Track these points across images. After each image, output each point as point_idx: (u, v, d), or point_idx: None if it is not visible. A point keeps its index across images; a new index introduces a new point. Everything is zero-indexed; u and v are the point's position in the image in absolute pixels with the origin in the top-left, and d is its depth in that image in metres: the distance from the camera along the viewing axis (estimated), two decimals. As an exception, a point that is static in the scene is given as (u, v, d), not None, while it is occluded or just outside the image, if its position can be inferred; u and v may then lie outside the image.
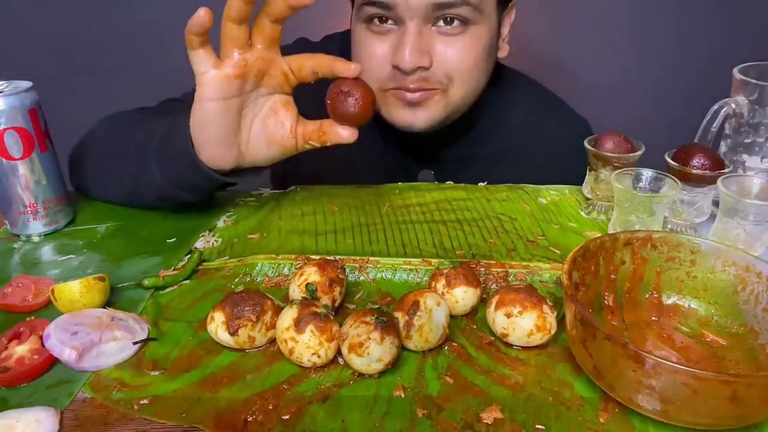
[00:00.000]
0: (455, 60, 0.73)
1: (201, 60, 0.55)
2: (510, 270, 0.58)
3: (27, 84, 0.63)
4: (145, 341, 0.48)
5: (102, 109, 0.79)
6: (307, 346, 0.44)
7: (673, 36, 1.37)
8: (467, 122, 0.83)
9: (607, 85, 1.40)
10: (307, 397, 0.43)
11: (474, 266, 0.57)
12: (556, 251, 0.62)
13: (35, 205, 0.65)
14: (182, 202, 0.68)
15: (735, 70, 0.65)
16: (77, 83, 1.35)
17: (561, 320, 0.48)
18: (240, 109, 0.58)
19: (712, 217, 0.62)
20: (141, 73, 1.33)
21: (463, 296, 0.51)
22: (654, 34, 1.37)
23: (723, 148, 0.69)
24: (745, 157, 0.66)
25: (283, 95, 0.60)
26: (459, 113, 0.79)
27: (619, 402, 0.41)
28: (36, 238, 0.66)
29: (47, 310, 0.53)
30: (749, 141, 0.65)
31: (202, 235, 0.66)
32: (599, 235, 0.51)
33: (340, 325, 0.46)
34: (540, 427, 0.40)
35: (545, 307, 0.47)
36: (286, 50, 0.88)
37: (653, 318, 0.50)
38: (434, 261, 0.59)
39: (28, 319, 0.51)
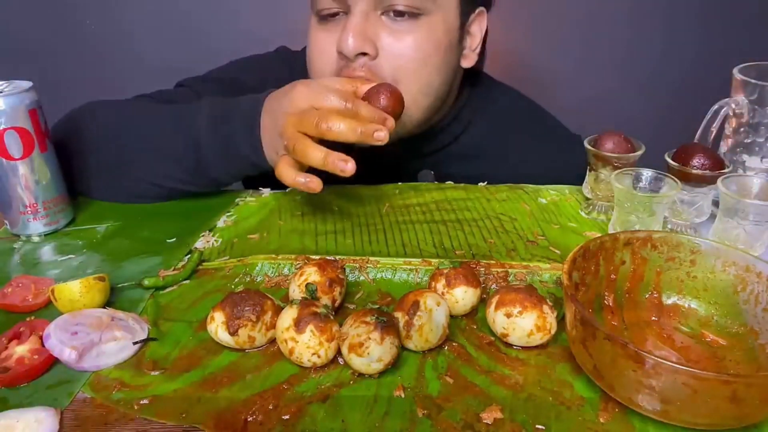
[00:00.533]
0: (401, 53, 0.69)
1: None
2: (510, 270, 0.58)
3: (27, 84, 0.63)
4: (145, 341, 0.48)
5: (102, 109, 0.79)
6: (307, 346, 0.44)
7: (673, 36, 1.37)
8: (445, 134, 0.82)
9: (607, 86, 1.40)
10: (307, 397, 0.43)
11: (474, 266, 0.57)
12: (556, 251, 0.62)
13: (35, 205, 0.65)
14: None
15: (735, 70, 0.65)
16: (77, 83, 1.35)
17: (561, 320, 0.48)
18: None
19: (712, 217, 0.62)
20: (141, 73, 1.33)
21: (463, 296, 0.51)
22: (654, 34, 1.37)
23: (723, 148, 0.69)
24: (745, 157, 0.66)
25: None
26: (417, 118, 0.74)
27: (619, 402, 0.41)
28: (36, 238, 0.66)
29: (47, 310, 0.53)
30: (749, 141, 0.65)
31: (202, 235, 0.66)
32: (599, 235, 0.51)
33: (340, 325, 0.46)
34: (540, 427, 0.40)
35: (545, 307, 0.47)
36: (267, 58, 0.89)
37: (653, 318, 0.50)
38: (434, 261, 0.59)
39: (28, 319, 0.51)
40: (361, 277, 0.58)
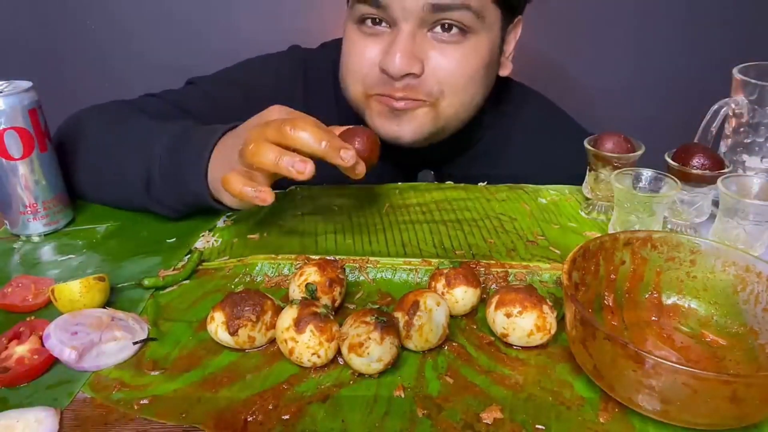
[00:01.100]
0: (449, 70, 0.68)
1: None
2: (510, 270, 0.58)
3: (27, 84, 0.63)
4: (145, 341, 0.48)
5: (102, 109, 0.79)
6: (307, 346, 0.44)
7: (673, 36, 1.37)
8: (466, 139, 0.80)
9: (606, 86, 1.40)
10: (307, 397, 0.43)
11: (474, 266, 0.57)
12: (556, 251, 0.62)
13: (35, 205, 0.65)
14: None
15: (735, 70, 0.65)
16: (77, 83, 1.35)
17: (561, 320, 0.48)
18: None
19: (712, 217, 0.62)
20: (140, 73, 1.33)
21: (463, 296, 0.51)
22: (654, 34, 1.37)
23: (723, 148, 0.69)
24: (745, 157, 0.66)
25: None
26: (450, 130, 0.75)
27: (619, 402, 0.41)
28: (36, 238, 0.66)
29: (47, 310, 0.53)
30: (749, 141, 0.65)
31: (202, 235, 0.66)
32: (599, 235, 0.51)
33: (340, 325, 0.46)
34: (540, 427, 0.40)
35: (545, 307, 0.47)
36: (280, 58, 0.88)
37: (653, 318, 0.50)
38: (434, 261, 0.59)
39: (28, 319, 0.51)
40: (361, 277, 0.58)
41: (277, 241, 0.64)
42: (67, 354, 0.45)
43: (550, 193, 0.75)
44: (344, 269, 0.56)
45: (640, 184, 0.62)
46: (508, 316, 0.47)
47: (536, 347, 0.48)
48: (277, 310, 0.48)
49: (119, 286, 0.56)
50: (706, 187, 0.60)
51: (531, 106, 0.89)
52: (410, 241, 0.64)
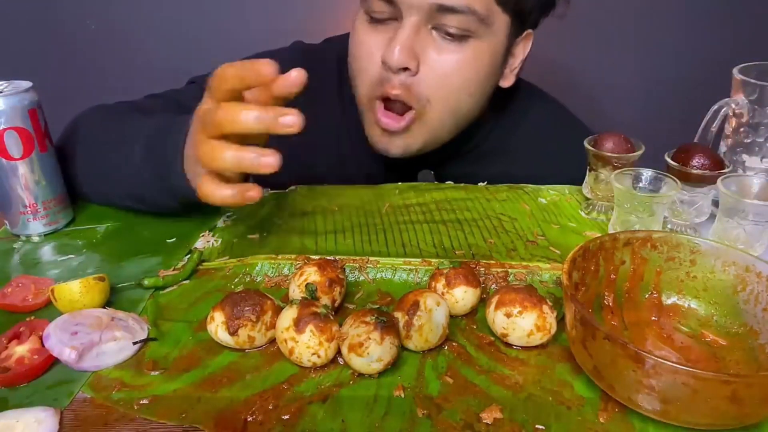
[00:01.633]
0: (444, 73, 0.69)
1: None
2: (510, 270, 0.58)
3: (27, 84, 0.63)
4: (145, 341, 0.48)
5: (102, 110, 0.79)
6: (307, 346, 0.44)
7: (673, 36, 1.37)
8: (467, 141, 0.81)
9: (606, 86, 1.40)
10: (307, 397, 0.43)
11: (474, 266, 0.57)
12: (556, 251, 0.62)
13: (35, 205, 0.65)
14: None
15: (735, 70, 0.65)
16: (77, 83, 1.35)
17: (561, 320, 0.48)
18: None
19: (712, 217, 0.62)
20: (141, 74, 1.33)
21: (463, 296, 0.51)
22: (654, 34, 1.37)
23: (723, 148, 0.69)
24: (745, 157, 0.66)
25: None
26: (443, 139, 0.75)
27: (619, 402, 0.41)
28: (36, 238, 0.66)
29: (47, 310, 0.53)
30: (749, 141, 0.65)
31: (202, 235, 0.66)
32: (599, 235, 0.51)
33: (340, 325, 0.46)
34: (540, 427, 0.40)
35: (545, 307, 0.47)
36: (283, 54, 0.88)
37: (653, 318, 0.50)
38: (434, 261, 0.59)
39: (28, 319, 0.51)
40: (361, 277, 0.58)
41: (277, 241, 0.64)
42: (67, 354, 0.45)
43: (550, 193, 0.75)
44: (344, 269, 0.56)
45: (640, 184, 0.62)
46: (508, 316, 0.47)
47: (536, 347, 0.48)
48: (277, 310, 0.48)
49: (119, 286, 0.56)
50: (706, 187, 0.60)
51: (537, 107, 0.88)
52: (410, 241, 0.64)
